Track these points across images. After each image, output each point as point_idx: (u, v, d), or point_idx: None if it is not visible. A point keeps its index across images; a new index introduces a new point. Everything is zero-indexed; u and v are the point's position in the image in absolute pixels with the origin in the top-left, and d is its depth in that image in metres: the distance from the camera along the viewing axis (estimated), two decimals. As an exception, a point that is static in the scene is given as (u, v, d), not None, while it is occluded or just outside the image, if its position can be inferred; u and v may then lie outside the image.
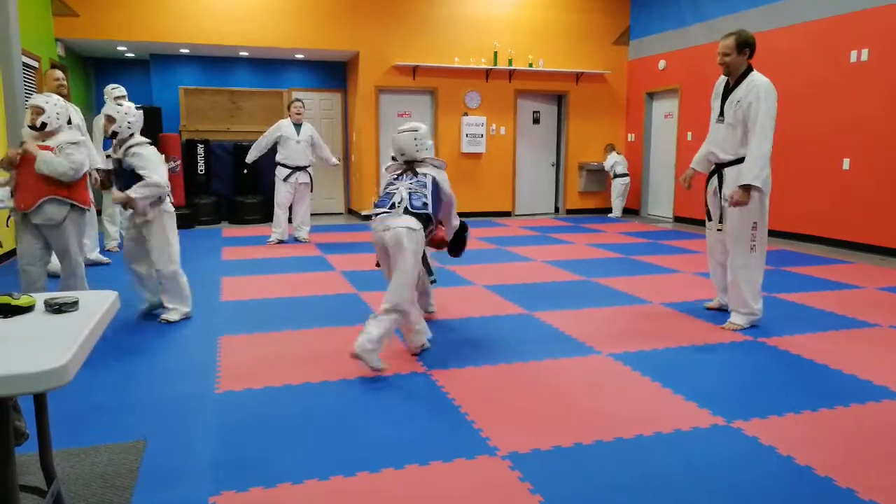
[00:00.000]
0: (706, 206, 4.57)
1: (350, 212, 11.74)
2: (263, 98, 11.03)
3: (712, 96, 4.57)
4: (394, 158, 4.11)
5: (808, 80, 8.07)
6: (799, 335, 4.22)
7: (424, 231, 3.70)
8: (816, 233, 8.03)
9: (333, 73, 11.55)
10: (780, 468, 2.49)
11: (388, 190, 3.83)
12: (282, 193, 8.06)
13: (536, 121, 11.62)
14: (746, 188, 4.11)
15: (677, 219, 10.58)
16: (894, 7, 7.06)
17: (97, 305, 1.98)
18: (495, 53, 10.78)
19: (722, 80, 4.50)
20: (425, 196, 3.74)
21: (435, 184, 3.83)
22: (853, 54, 7.52)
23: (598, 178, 11.59)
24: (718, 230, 4.51)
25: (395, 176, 3.92)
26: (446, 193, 3.92)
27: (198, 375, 3.47)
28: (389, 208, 3.69)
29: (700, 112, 9.82)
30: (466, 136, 10.87)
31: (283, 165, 8.03)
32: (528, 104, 11.48)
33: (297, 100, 8.20)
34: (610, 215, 11.41)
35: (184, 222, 9.39)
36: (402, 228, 3.58)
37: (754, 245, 4.27)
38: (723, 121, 4.36)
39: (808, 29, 8.09)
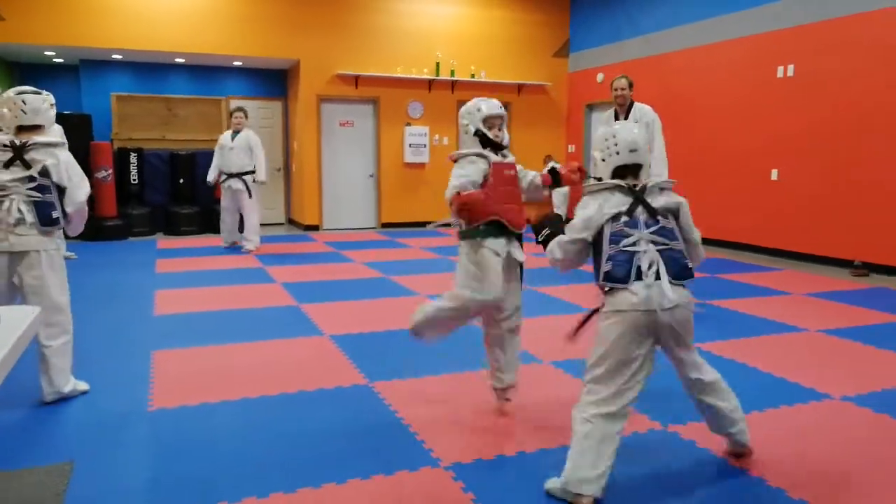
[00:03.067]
0: None
1: (291, 222, 11.56)
2: (201, 105, 10.77)
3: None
4: (597, 178, 2.62)
5: (738, 95, 8.39)
6: (732, 339, 4.35)
7: None
8: (751, 241, 8.33)
9: (273, 81, 11.38)
10: (714, 470, 2.55)
11: (624, 245, 2.36)
12: (223, 199, 8.23)
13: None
14: None
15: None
16: (817, 25, 7.42)
17: (19, 320, 1.87)
18: (438, 64, 10.83)
19: (608, 113, 5.78)
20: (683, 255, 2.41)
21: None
22: (780, 69, 7.86)
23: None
24: None
25: (618, 212, 2.41)
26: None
27: (129, 393, 3.34)
28: (638, 276, 2.32)
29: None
30: (409, 146, 10.87)
31: (221, 172, 8.18)
32: (470, 115, 11.54)
33: (239, 109, 8.24)
34: (551, 224, 11.56)
35: (116, 234, 9.10)
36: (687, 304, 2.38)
37: None
38: None
39: (738, 45, 8.42)
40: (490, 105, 3.04)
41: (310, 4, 10.13)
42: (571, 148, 11.85)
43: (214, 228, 9.72)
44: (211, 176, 8.23)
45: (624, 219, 2.38)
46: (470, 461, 2.60)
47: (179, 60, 10.37)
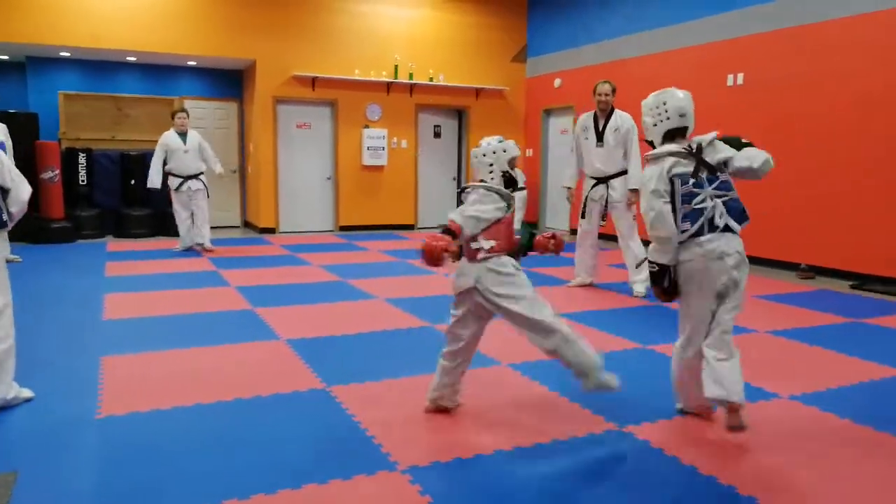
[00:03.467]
0: (583, 207, 6.02)
1: (246, 225, 11.38)
2: (152, 105, 10.52)
3: (579, 129, 6.06)
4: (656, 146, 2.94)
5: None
6: (685, 341, 4.44)
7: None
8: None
9: (228, 82, 11.20)
10: (667, 469, 2.60)
11: (696, 204, 2.74)
12: (177, 203, 8.10)
13: (437, 135, 11.74)
14: (635, 191, 5.60)
15: (574, 231, 10.93)
16: (765, 35, 7.65)
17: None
18: (396, 67, 10.82)
19: (588, 115, 6.01)
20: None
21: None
22: (730, 78, 8.08)
23: (498, 191, 11.81)
24: (601, 224, 6.01)
25: (685, 172, 2.78)
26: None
27: (76, 400, 3.23)
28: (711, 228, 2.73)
29: (593, 129, 10.24)
30: (367, 148, 10.82)
31: (175, 175, 8.06)
32: (429, 118, 11.58)
33: (182, 110, 8.23)
34: (509, 228, 11.63)
35: (63, 236, 8.82)
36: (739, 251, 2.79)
37: (635, 227, 5.78)
38: (602, 146, 5.85)
39: (691, 53, 8.62)
40: (513, 147, 3.03)
41: (266, 4, 10.01)
42: (529, 152, 11.96)
43: (167, 231, 9.52)
44: (157, 180, 8.05)
45: (691, 180, 2.76)
46: (427, 464, 2.59)
47: (131, 59, 10.12)
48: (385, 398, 3.33)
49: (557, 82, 11.08)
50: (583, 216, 6.13)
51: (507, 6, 11.60)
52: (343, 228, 10.92)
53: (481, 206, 2.90)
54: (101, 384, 3.45)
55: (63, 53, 9.68)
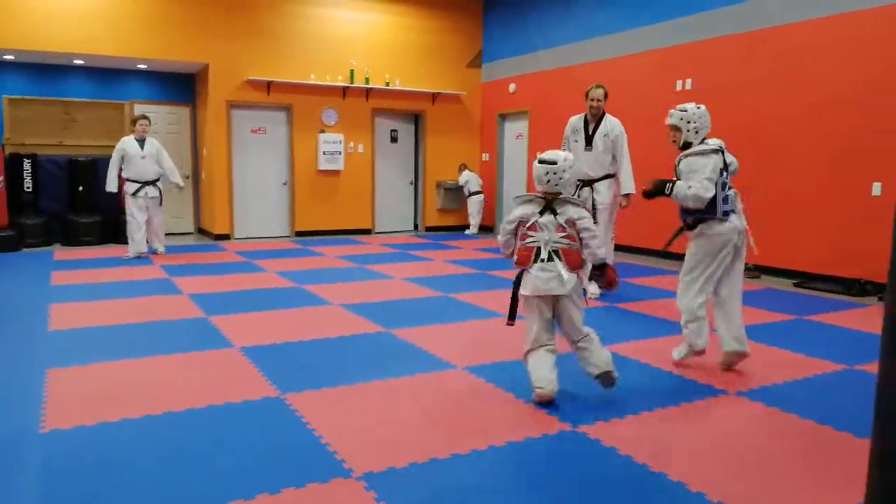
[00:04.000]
0: None
1: (200, 231, 11.18)
2: (102, 110, 10.27)
3: (569, 131, 6.04)
4: None
5: (642, 106, 8.76)
6: (634, 341, 4.53)
7: None
8: (651, 246, 8.69)
9: (181, 86, 11.00)
10: (619, 467, 2.64)
11: (727, 190, 3.79)
12: (133, 208, 8.08)
13: (394, 139, 11.73)
14: (628, 195, 5.95)
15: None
16: (712, 41, 7.87)
17: None
18: (352, 71, 10.78)
19: (579, 118, 5.99)
20: None
21: None
22: (679, 83, 8.28)
23: (456, 195, 11.87)
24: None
25: (723, 167, 3.80)
26: None
27: (19, 414, 3.13)
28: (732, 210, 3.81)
29: (548, 133, 10.37)
30: (324, 153, 10.75)
31: (132, 181, 8.08)
32: (385, 122, 11.56)
33: (144, 117, 8.27)
34: (467, 232, 11.70)
35: (7, 245, 8.53)
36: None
37: (611, 232, 6.16)
38: (591, 150, 5.90)
39: (641, 59, 8.80)
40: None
41: (220, 7, 9.87)
42: (486, 156, 12.04)
43: (116, 238, 9.30)
44: (113, 185, 8.15)
45: (724, 174, 3.72)
46: (383, 470, 2.58)
47: (78, 62, 9.85)
48: (340, 404, 3.31)
49: (512, 87, 11.19)
50: None
51: (463, 12, 11.67)
52: (299, 234, 10.82)
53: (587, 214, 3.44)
54: (45, 397, 3.35)
55: (6, 56, 9.38)
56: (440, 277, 7.06)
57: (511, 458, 2.73)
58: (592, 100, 5.83)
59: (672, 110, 3.84)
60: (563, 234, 3.25)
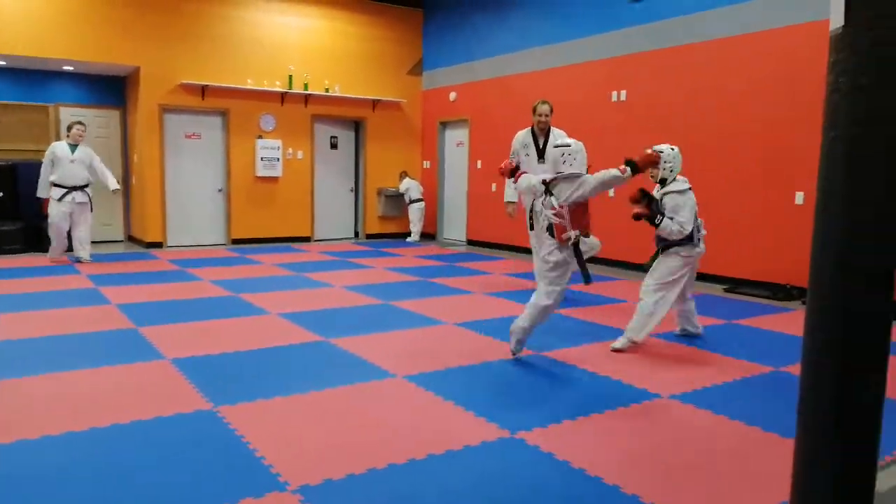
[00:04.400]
0: (529, 220, 5.85)
1: (131, 239, 10.79)
2: (25, 113, 9.80)
3: (518, 146, 6.09)
4: None
5: (577, 116, 8.92)
6: (572, 347, 4.59)
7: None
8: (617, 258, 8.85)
9: (110, 89, 10.61)
10: (557, 472, 2.66)
11: (697, 222, 4.77)
12: (57, 214, 7.89)
13: (334, 146, 11.61)
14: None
15: (470, 242, 11.11)
16: (645, 54, 8.09)
17: None
18: (290, 77, 10.63)
19: (526, 133, 6.09)
20: None
21: None
22: (614, 94, 8.48)
23: (397, 203, 11.83)
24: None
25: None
26: None
27: (-73, 434, 2.93)
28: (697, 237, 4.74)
29: (488, 142, 10.46)
30: (262, 159, 10.54)
31: (58, 185, 7.88)
32: (325, 129, 11.44)
33: (80, 122, 8.14)
34: (408, 239, 11.67)
35: (-82, 254, 8.03)
36: None
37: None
38: (543, 162, 5.91)
39: (577, 70, 8.98)
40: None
41: (151, 8, 9.58)
42: (427, 164, 12.05)
43: (41, 247, 8.88)
44: (43, 191, 7.96)
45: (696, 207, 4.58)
46: (319, 482, 2.53)
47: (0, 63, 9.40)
48: (275, 416, 3.23)
49: (453, 96, 11.24)
50: (531, 228, 6.25)
51: (403, 20, 11.67)
52: (236, 241, 10.57)
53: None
54: (-43, 415, 3.15)
55: (-82, 54, 8.86)
56: (380, 285, 7.00)
57: (450, 466, 2.71)
58: (540, 115, 5.99)
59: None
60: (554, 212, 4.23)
